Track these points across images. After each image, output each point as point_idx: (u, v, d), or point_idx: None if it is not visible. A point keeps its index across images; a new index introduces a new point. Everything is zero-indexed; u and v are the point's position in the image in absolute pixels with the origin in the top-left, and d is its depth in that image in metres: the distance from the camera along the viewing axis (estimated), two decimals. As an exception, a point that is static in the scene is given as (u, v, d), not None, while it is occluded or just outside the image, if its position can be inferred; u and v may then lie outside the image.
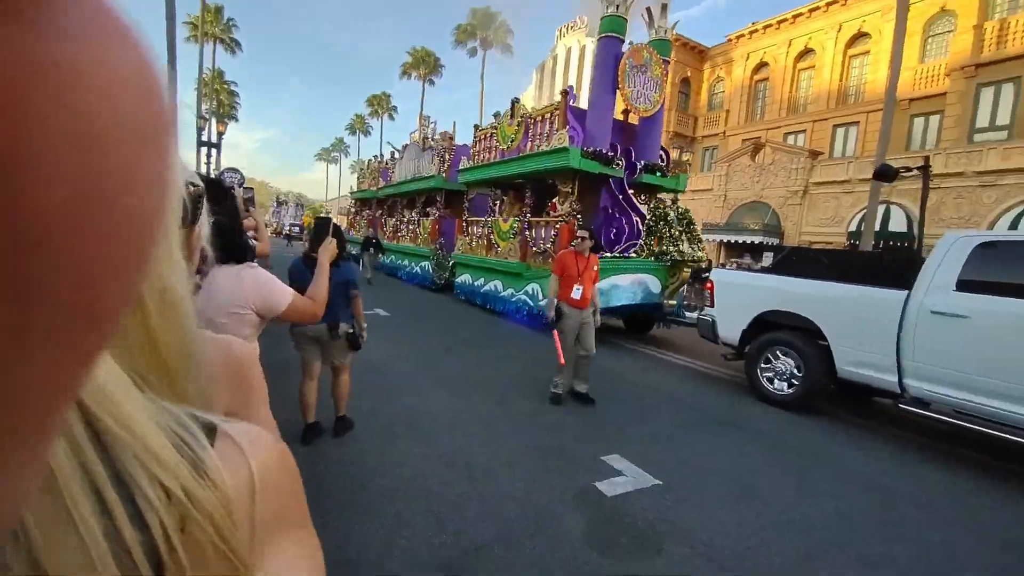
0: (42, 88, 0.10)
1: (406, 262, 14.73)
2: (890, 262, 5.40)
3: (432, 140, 14.41)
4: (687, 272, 8.28)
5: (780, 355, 5.12)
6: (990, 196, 13.77)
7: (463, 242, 11.57)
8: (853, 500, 3.10)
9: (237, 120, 39.35)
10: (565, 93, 8.63)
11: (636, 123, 9.66)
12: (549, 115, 8.93)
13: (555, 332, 4.46)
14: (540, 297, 8.30)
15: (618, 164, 8.39)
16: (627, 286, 7.72)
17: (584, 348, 4.46)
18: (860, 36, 19.73)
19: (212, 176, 11.73)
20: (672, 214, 8.44)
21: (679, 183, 9.46)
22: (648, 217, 8.57)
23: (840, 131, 20.39)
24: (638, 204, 8.79)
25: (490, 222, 10.56)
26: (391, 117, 52.34)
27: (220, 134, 19.80)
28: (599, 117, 8.73)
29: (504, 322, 8.83)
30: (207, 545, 0.27)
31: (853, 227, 16.15)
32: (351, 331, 3.14)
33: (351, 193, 24.03)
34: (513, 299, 9.14)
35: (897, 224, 15.53)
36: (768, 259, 16.22)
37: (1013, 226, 13.23)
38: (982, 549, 2.67)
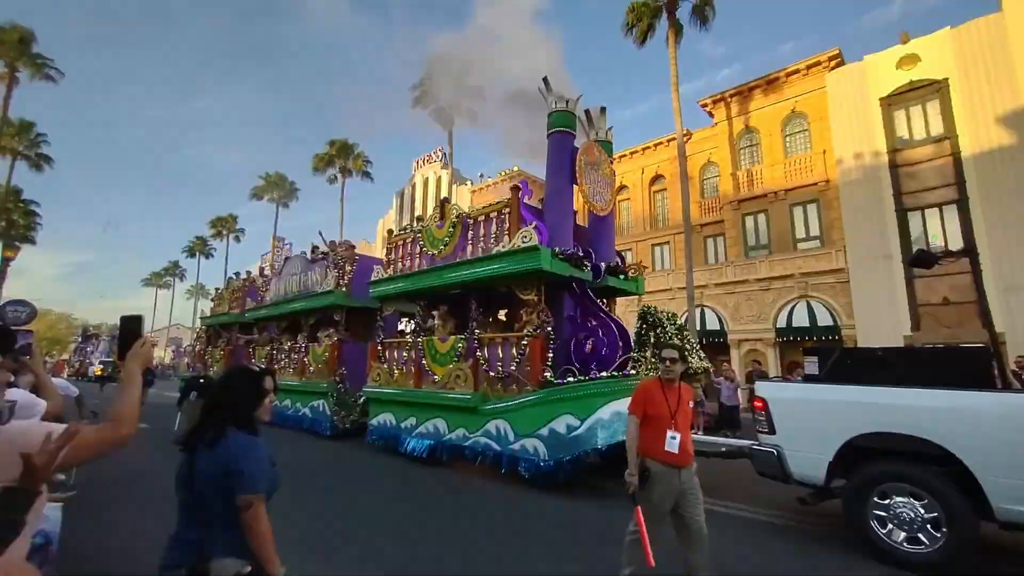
0: None
1: (288, 402, 11.75)
2: (966, 358, 4.45)
3: (323, 251, 12.30)
4: (697, 387, 6.78)
5: (894, 495, 3.74)
6: (769, 297, 17.47)
7: (380, 371, 9.23)
8: None
9: (34, 243, 33.22)
10: (517, 188, 7.58)
11: (584, 224, 9.26)
12: (495, 214, 7.68)
13: (637, 508, 2.97)
14: (510, 438, 6.53)
15: (586, 266, 7.42)
16: (617, 414, 6.06)
17: (693, 523, 3.01)
18: (658, 176, 25.02)
19: None
20: (665, 320, 7.38)
21: (638, 286, 8.79)
22: (640, 325, 7.56)
23: (657, 249, 24.66)
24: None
25: (421, 343, 8.52)
26: (237, 239, 49.60)
27: (6, 259, 16.45)
28: (560, 212, 7.77)
29: (452, 475, 6.81)
30: None
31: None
32: (246, 573, 1.59)
33: (202, 319, 20.84)
34: (467, 443, 7.12)
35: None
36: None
37: (789, 318, 16.75)
38: None
